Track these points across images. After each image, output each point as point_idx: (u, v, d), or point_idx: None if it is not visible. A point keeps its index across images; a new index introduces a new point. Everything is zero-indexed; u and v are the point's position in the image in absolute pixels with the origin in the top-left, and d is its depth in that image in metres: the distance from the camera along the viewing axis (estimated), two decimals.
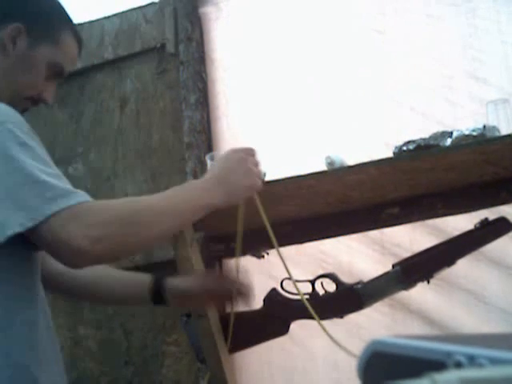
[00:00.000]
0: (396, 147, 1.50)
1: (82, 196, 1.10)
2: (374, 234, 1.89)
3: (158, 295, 1.41)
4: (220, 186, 1.23)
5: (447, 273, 1.64)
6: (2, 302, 1.13)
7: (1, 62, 1.27)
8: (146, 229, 1.15)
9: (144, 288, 1.41)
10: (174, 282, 1.42)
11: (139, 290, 1.43)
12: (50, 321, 1.23)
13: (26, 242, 1.10)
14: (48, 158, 1.14)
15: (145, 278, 1.43)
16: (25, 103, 1.30)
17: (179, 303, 1.52)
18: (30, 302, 1.17)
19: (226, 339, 1.60)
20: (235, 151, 1.29)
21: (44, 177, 1.08)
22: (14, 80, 1.28)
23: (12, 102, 1.24)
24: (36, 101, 1.32)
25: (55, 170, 1.12)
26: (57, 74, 1.32)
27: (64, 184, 1.10)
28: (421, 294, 1.82)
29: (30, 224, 1.05)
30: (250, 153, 1.28)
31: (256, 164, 1.28)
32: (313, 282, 1.61)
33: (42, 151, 1.14)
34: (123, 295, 1.47)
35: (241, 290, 1.46)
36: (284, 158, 2.07)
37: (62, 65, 1.32)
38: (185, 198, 1.21)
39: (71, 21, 1.36)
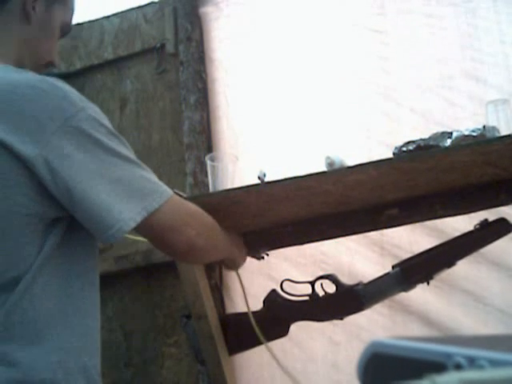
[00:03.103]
0: (396, 148, 1.50)
1: (169, 188, 1.16)
2: (374, 235, 1.89)
3: None
4: (234, 243, 1.50)
5: (447, 274, 1.64)
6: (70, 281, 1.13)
7: (23, 32, 1.22)
8: (220, 243, 1.34)
9: None
10: None
11: None
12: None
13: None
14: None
15: None
16: (42, 70, 1.25)
17: None
18: (93, 285, 1.19)
19: (226, 341, 1.60)
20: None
21: (139, 169, 1.12)
22: (36, 48, 1.24)
23: (35, 72, 1.20)
24: (48, 65, 1.28)
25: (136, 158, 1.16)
26: (65, 33, 1.30)
27: (153, 175, 1.15)
28: (420, 295, 1.82)
29: (140, 218, 1.08)
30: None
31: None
32: (313, 284, 1.61)
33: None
34: None
35: None
36: (284, 159, 2.07)
37: (70, 23, 1.30)
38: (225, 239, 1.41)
39: None
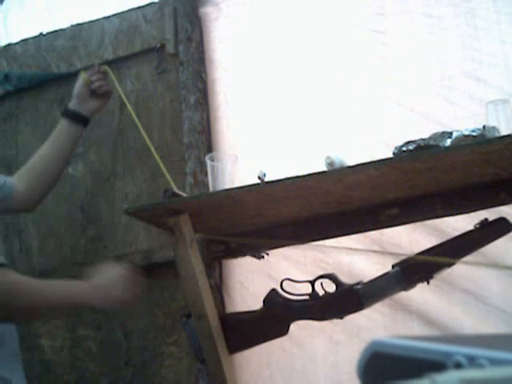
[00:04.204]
0: (396, 148, 1.50)
1: None
2: (374, 234, 1.89)
3: (80, 119, 1.76)
4: (98, 292, 1.44)
5: (447, 273, 1.64)
6: None
7: None
8: (18, 301, 1.32)
9: (67, 129, 1.74)
10: (74, 101, 1.81)
11: (65, 134, 1.77)
12: None
13: None
14: None
15: (59, 127, 1.78)
16: None
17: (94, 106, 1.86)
18: None
19: (225, 340, 1.60)
20: (119, 271, 1.50)
21: None
22: None
23: None
24: None
25: None
26: None
27: None
28: (420, 294, 1.82)
29: None
30: (131, 272, 1.51)
31: (134, 282, 1.50)
32: (313, 283, 1.61)
33: None
34: (62, 153, 1.79)
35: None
36: (284, 159, 2.07)
37: None
38: (63, 291, 1.41)
39: None
